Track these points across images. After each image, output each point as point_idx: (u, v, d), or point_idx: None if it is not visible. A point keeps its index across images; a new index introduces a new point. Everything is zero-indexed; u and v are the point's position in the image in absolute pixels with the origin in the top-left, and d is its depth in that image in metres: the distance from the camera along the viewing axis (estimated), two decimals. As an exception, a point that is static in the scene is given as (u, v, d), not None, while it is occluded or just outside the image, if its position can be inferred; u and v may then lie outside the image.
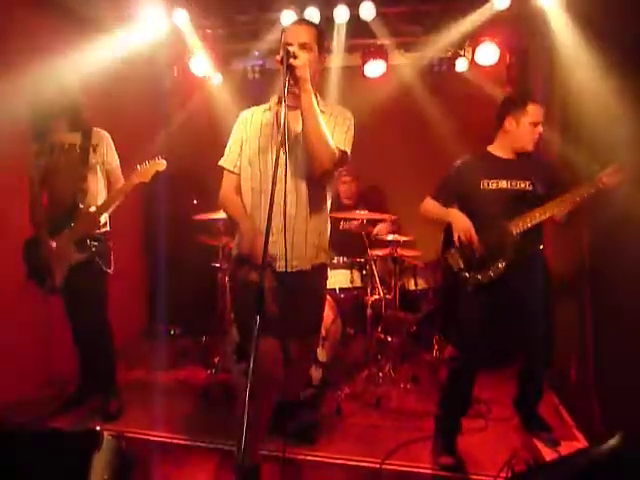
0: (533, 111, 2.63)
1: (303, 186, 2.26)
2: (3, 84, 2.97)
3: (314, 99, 2.11)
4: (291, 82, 2.02)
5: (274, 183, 1.83)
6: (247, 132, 2.34)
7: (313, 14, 3.96)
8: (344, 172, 4.35)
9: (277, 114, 2.28)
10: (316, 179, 2.26)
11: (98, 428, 2.08)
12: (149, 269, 4.94)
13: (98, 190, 3.05)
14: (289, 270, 2.27)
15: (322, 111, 2.22)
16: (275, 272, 2.23)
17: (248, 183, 2.31)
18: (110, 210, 3.04)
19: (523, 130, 2.64)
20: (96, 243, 2.98)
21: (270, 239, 1.88)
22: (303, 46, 2.16)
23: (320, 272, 2.41)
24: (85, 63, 3.43)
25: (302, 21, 2.34)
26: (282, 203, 2.15)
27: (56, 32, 3.57)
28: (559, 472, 1.92)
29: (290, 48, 2.05)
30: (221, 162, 2.39)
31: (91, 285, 3.02)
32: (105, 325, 3.10)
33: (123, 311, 4.06)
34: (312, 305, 2.42)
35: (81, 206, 2.95)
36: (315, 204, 2.31)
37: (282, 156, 1.95)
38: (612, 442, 1.80)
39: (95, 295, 3.05)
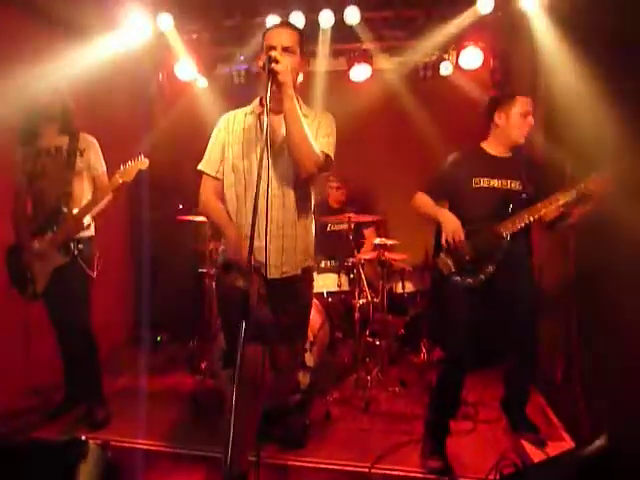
0: (522, 102, 2.64)
1: (290, 191, 2.25)
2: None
3: (296, 103, 2.10)
4: (273, 87, 2.00)
5: (258, 188, 1.80)
6: (229, 136, 2.30)
7: (298, 19, 3.98)
8: (332, 178, 4.37)
9: (260, 118, 2.26)
10: (301, 183, 2.26)
11: (83, 437, 2.05)
12: (135, 275, 4.90)
13: (83, 195, 3.02)
14: (280, 276, 2.26)
15: (305, 115, 2.21)
16: (265, 278, 2.21)
17: (232, 189, 2.28)
18: (94, 212, 3.00)
19: (513, 122, 2.64)
20: (80, 246, 2.95)
21: (258, 245, 1.86)
22: (286, 49, 2.15)
23: (308, 275, 2.41)
24: (70, 68, 3.40)
25: (284, 24, 2.30)
26: (269, 209, 2.14)
27: (40, 37, 3.54)
28: (546, 473, 1.94)
29: (272, 53, 2.03)
30: (201, 166, 2.34)
31: (74, 289, 2.98)
32: (88, 329, 3.05)
33: (109, 317, 4.03)
34: (300, 309, 2.43)
35: (65, 210, 2.92)
36: (302, 208, 2.31)
37: (266, 161, 1.94)
38: (598, 443, 1.82)
39: (78, 298, 3.01)
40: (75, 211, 2.94)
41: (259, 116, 2.27)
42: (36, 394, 3.31)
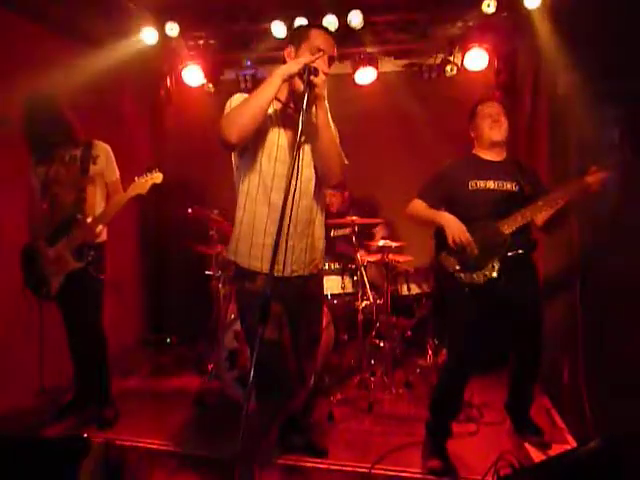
0: (481, 108, 2.79)
1: (318, 191, 2.29)
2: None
3: (329, 116, 2.11)
4: (309, 98, 1.94)
5: (287, 192, 1.79)
6: None
7: (302, 23, 4.00)
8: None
9: (278, 113, 2.25)
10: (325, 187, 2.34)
11: (86, 435, 2.10)
12: (144, 278, 4.97)
13: (97, 201, 3.09)
14: (313, 272, 2.32)
15: None
16: (287, 279, 2.22)
17: (256, 176, 2.20)
18: (107, 220, 3.07)
19: (482, 127, 2.76)
20: (92, 252, 3.02)
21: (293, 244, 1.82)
22: (332, 59, 2.15)
23: (321, 274, 2.49)
24: (78, 76, 3.48)
25: (331, 32, 2.22)
26: (299, 212, 2.19)
27: (50, 46, 3.62)
28: (542, 474, 1.93)
29: (312, 65, 1.96)
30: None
31: (87, 293, 3.06)
32: (100, 333, 3.13)
33: (119, 319, 4.10)
34: (318, 309, 2.54)
35: (79, 216, 2.99)
36: (322, 210, 2.37)
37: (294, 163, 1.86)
38: (593, 444, 1.81)
39: (91, 303, 3.09)
40: (89, 220, 3.01)
41: (278, 112, 2.26)
42: (44, 393, 3.38)
